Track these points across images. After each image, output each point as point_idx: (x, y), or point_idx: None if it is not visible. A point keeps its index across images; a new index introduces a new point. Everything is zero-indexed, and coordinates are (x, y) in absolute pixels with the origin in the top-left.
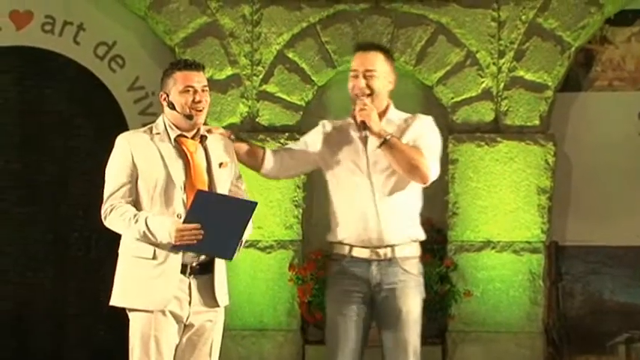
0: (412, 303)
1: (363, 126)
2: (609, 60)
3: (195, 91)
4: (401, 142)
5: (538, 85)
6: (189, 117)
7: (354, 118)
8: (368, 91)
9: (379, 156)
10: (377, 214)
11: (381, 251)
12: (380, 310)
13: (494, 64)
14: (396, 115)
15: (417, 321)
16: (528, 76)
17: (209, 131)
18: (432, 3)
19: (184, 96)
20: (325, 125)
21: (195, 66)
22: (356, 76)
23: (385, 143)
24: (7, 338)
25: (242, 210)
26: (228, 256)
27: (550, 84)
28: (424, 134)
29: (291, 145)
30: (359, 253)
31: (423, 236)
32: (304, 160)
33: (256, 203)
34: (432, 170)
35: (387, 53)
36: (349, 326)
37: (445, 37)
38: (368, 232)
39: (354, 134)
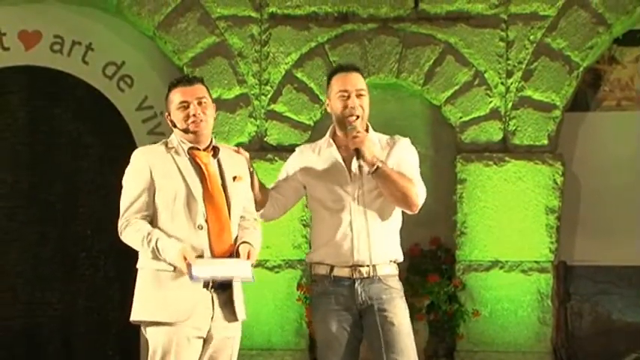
0: (402, 315)
1: (357, 154)
2: (617, 80)
3: (189, 105)
4: (392, 170)
5: (546, 104)
6: (187, 131)
7: (350, 141)
8: (360, 111)
9: (363, 179)
10: (359, 235)
11: (364, 270)
12: (369, 327)
13: (502, 83)
14: (375, 137)
15: (409, 333)
16: (536, 96)
17: (237, 151)
18: (440, 23)
19: (180, 112)
20: (303, 150)
21: (187, 81)
22: (348, 97)
23: (377, 171)
24: (16, 357)
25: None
26: (249, 278)
27: (558, 104)
28: (407, 158)
29: (275, 183)
30: (340, 272)
31: (401, 258)
32: (292, 192)
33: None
34: (421, 199)
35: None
36: (341, 345)
37: (453, 57)
38: (349, 252)
39: (337, 156)
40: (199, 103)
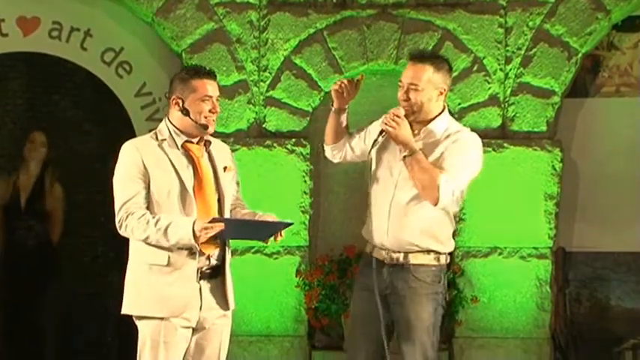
0: (422, 310)
1: (380, 133)
2: (616, 66)
3: (212, 101)
4: (425, 160)
5: (545, 91)
6: (205, 127)
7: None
8: (406, 105)
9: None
10: (392, 219)
11: (395, 255)
12: (393, 314)
13: (501, 70)
14: (441, 127)
15: (427, 328)
16: (535, 82)
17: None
18: (439, 9)
19: (202, 105)
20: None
21: (213, 75)
22: (401, 87)
23: (409, 157)
24: (15, 342)
25: (274, 227)
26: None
27: (557, 90)
28: (454, 154)
29: (355, 132)
30: (378, 254)
31: (444, 250)
32: (359, 150)
33: (291, 224)
34: (443, 194)
35: (439, 63)
36: (364, 324)
37: (452, 44)
38: (383, 235)
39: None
40: (217, 100)
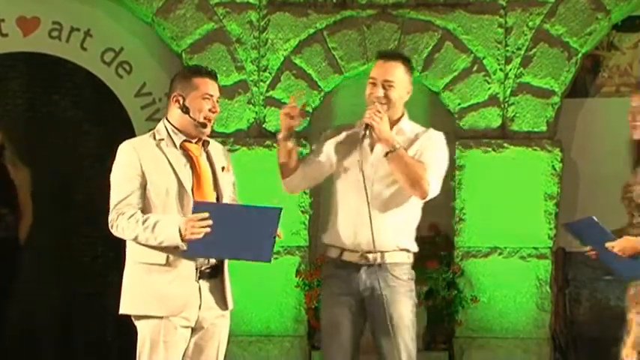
0: (403, 308)
1: (366, 127)
2: (616, 66)
3: (213, 100)
4: (407, 155)
5: (545, 91)
6: (203, 125)
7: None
8: (384, 101)
9: (382, 164)
10: (370, 220)
11: (371, 256)
12: (371, 316)
13: (501, 70)
14: (408, 127)
15: (408, 326)
16: (535, 82)
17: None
18: (439, 9)
19: (203, 103)
20: (339, 129)
21: (215, 76)
22: (374, 84)
23: (392, 153)
24: (13, 344)
25: (265, 217)
26: (264, 258)
27: (557, 90)
28: (430, 149)
29: (308, 157)
30: (349, 257)
31: (414, 248)
32: (322, 170)
33: (281, 209)
34: (432, 187)
35: (408, 64)
36: (342, 329)
37: (452, 44)
38: (359, 236)
39: (365, 140)
40: (217, 102)
